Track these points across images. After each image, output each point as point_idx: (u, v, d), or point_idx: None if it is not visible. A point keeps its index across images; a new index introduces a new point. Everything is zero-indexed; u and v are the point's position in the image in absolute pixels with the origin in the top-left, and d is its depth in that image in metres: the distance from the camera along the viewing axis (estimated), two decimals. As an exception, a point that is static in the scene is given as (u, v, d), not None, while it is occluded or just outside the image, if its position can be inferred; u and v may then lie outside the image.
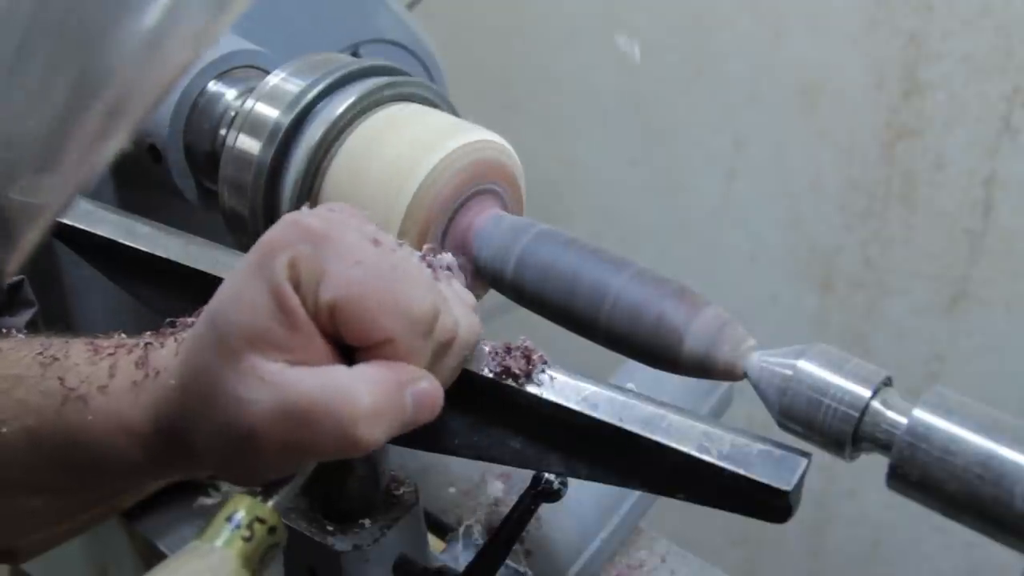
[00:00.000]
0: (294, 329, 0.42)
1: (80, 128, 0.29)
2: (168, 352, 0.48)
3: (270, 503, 0.44)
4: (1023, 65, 1.15)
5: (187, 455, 0.46)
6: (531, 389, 0.50)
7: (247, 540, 0.41)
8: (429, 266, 0.52)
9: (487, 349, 0.52)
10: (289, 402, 0.41)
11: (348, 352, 0.45)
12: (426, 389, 0.45)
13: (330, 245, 0.43)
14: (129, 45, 0.28)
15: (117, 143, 0.30)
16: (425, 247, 0.55)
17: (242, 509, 0.42)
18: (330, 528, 0.61)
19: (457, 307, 0.49)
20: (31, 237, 0.31)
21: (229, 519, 0.42)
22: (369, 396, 0.42)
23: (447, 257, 0.54)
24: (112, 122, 0.29)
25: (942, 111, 1.23)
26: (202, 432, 0.44)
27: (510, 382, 0.50)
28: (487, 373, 0.51)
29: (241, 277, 0.44)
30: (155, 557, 0.82)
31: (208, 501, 0.87)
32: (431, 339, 0.45)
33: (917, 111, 1.25)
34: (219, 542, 0.41)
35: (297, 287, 0.43)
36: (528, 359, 0.51)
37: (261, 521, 0.42)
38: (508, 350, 0.51)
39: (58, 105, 0.28)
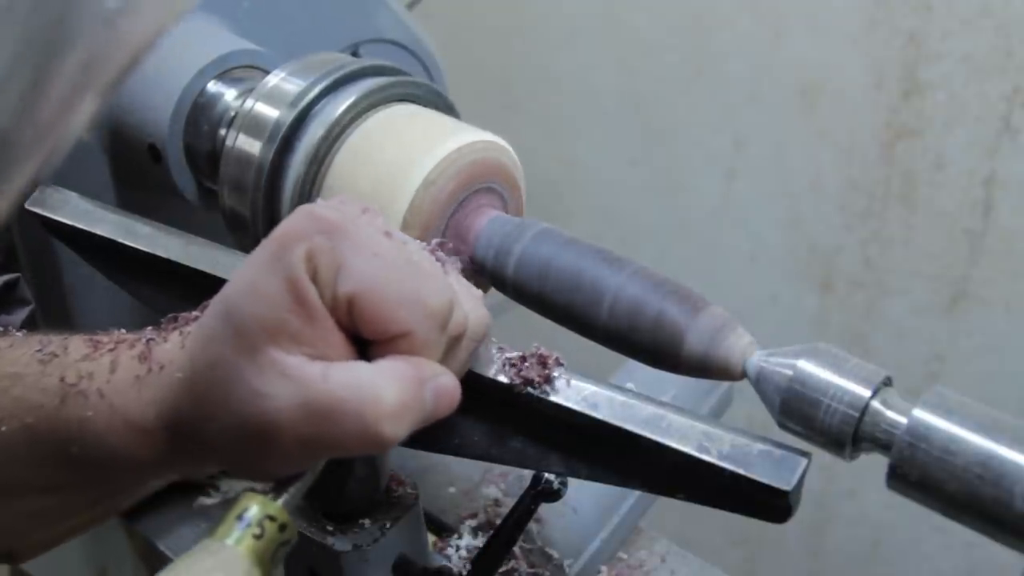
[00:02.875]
0: (312, 322, 0.42)
1: (49, 88, 0.28)
2: (172, 346, 0.47)
3: (280, 501, 0.44)
4: (1023, 65, 1.15)
5: (194, 450, 0.46)
6: (553, 398, 0.50)
7: (258, 538, 0.41)
8: (438, 260, 0.51)
9: (495, 352, 0.52)
10: (311, 399, 0.41)
11: (361, 345, 0.44)
12: (445, 384, 0.45)
13: (347, 237, 0.43)
14: (96, 7, 0.28)
15: (87, 110, 0.29)
16: (434, 241, 0.55)
17: (253, 507, 0.42)
18: (330, 528, 0.60)
19: (467, 300, 0.49)
20: (2, 206, 0.30)
21: (240, 517, 0.42)
22: (394, 393, 0.42)
23: (451, 251, 0.54)
24: (81, 84, 0.28)
25: (942, 111, 1.23)
26: (213, 426, 0.43)
27: (529, 390, 0.50)
28: (503, 380, 0.51)
29: (256, 268, 0.43)
30: (155, 557, 0.82)
31: (208, 501, 0.87)
32: (445, 332, 0.45)
33: (917, 111, 1.25)
34: (230, 540, 0.41)
35: (314, 279, 0.42)
36: (544, 364, 0.51)
37: (272, 519, 0.42)
38: (523, 359, 0.51)
39: (28, 67, 0.27)
